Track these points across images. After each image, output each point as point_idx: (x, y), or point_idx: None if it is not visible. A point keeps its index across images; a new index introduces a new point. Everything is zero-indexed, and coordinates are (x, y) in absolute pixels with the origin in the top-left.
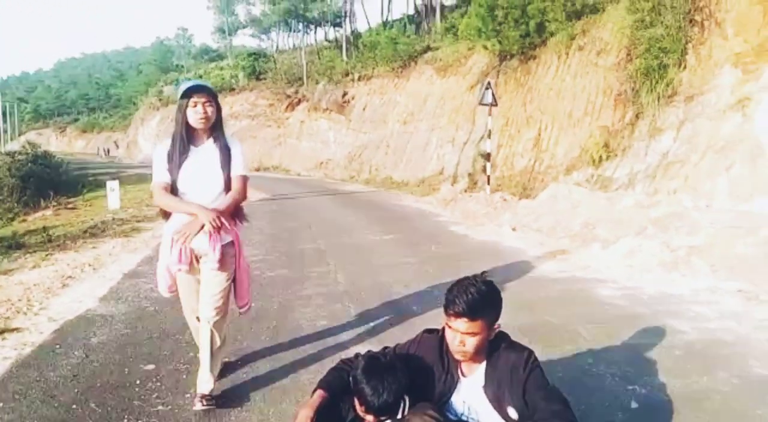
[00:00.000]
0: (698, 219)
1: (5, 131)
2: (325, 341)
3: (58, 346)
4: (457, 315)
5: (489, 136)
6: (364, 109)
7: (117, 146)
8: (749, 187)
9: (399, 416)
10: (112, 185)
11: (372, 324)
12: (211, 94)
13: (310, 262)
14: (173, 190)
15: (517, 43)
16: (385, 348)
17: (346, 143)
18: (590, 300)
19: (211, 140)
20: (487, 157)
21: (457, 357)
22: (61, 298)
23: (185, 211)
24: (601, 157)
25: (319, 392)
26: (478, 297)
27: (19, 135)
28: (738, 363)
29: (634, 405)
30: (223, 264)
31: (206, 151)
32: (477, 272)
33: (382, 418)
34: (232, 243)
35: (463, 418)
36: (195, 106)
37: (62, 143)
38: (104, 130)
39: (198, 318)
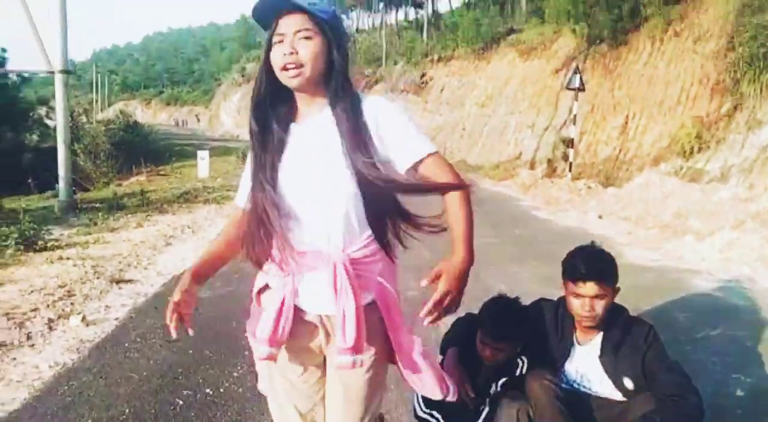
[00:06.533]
0: None
1: (96, 101)
2: (416, 309)
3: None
4: (585, 279)
5: (574, 121)
6: (441, 91)
7: (198, 119)
8: None
9: (516, 374)
10: (203, 154)
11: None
12: (313, 19)
13: None
14: (272, 207)
15: (608, 27)
16: None
17: (422, 125)
18: (685, 290)
19: (326, 108)
20: (570, 143)
21: (586, 323)
22: (166, 256)
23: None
24: (692, 148)
25: (451, 350)
26: (602, 261)
27: (108, 105)
28: None
29: (739, 392)
30: (358, 347)
31: (317, 124)
32: (562, 257)
33: (499, 349)
34: (374, 304)
35: (575, 386)
36: (280, 42)
37: (147, 115)
38: (186, 104)
39: None
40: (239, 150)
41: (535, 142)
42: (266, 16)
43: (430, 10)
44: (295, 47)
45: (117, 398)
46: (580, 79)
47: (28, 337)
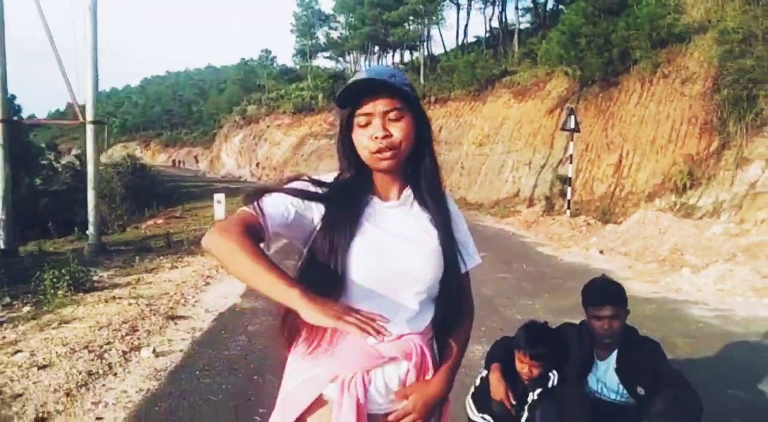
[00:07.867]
0: None
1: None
2: None
3: (222, 332)
4: (602, 303)
5: (570, 161)
6: (439, 131)
7: (197, 160)
8: None
9: (549, 385)
10: (219, 197)
11: (483, 328)
12: (399, 96)
13: None
14: (335, 283)
15: (600, 69)
16: None
17: None
18: (684, 318)
19: (408, 191)
20: (567, 181)
21: (605, 340)
22: (208, 294)
23: (268, 289)
24: (685, 184)
25: (495, 365)
26: (614, 287)
27: (108, 148)
28: None
29: (734, 405)
30: None
31: (403, 211)
32: (570, 291)
33: (535, 366)
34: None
35: (597, 395)
36: (366, 125)
37: (146, 156)
38: (186, 145)
39: None
40: (245, 191)
41: (532, 179)
42: (349, 98)
43: (425, 53)
44: (387, 129)
45: (203, 417)
46: (575, 120)
47: (110, 367)
